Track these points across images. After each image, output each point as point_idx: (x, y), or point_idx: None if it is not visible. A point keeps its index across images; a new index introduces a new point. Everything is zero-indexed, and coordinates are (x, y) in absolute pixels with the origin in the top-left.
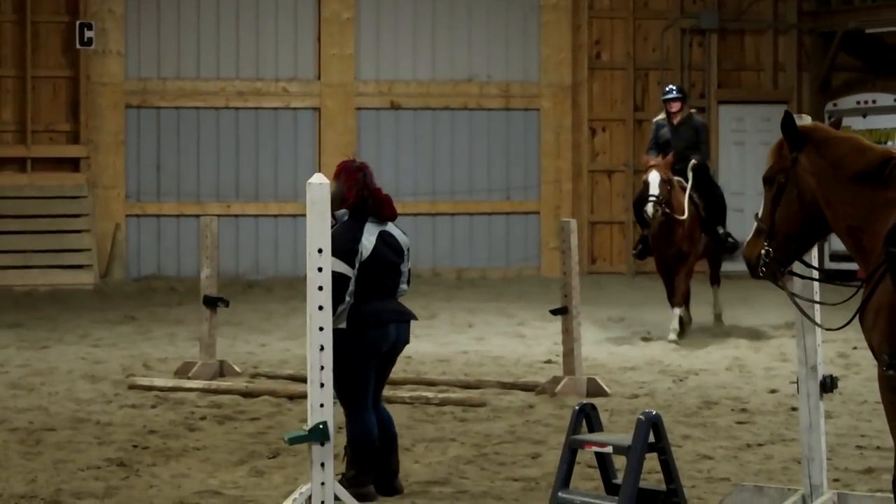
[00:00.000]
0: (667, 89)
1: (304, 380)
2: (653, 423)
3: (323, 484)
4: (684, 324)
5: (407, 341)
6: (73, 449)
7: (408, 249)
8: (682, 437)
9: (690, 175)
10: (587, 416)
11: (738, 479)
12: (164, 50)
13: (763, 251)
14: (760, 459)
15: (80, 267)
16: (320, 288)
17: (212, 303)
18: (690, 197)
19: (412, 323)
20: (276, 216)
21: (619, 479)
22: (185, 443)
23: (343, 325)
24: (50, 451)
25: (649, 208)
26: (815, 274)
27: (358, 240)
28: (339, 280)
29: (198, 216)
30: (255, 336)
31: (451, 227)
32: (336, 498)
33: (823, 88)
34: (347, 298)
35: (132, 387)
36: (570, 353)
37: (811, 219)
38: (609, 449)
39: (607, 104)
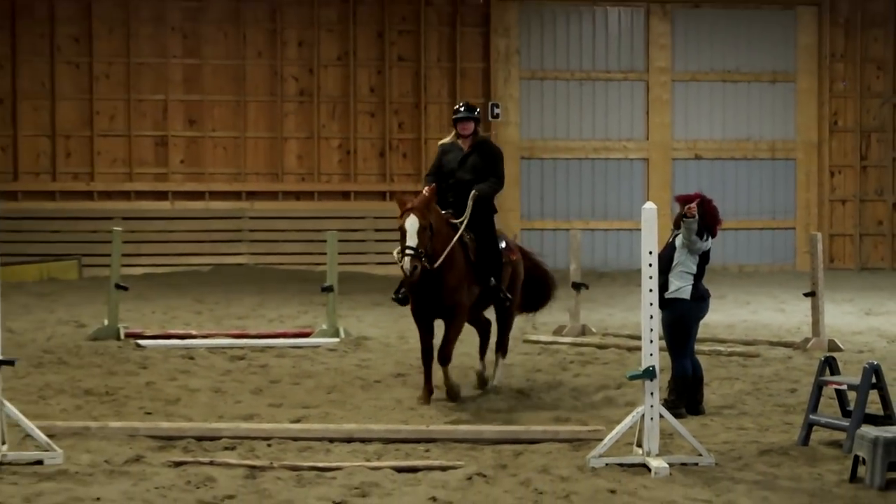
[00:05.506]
0: (456, 107)
1: (639, 338)
2: (874, 370)
3: (651, 406)
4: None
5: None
6: None
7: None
8: (894, 380)
9: (469, 207)
10: (829, 364)
11: None
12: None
13: None
14: None
15: None
16: (650, 277)
17: (577, 287)
18: (461, 237)
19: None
20: (617, 230)
21: (850, 407)
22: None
23: (687, 297)
24: None
25: (406, 264)
26: None
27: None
28: (706, 251)
29: (566, 230)
30: (604, 308)
31: (734, 237)
32: (660, 416)
33: None
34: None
35: (525, 342)
36: (817, 322)
37: None
38: (844, 387)
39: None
